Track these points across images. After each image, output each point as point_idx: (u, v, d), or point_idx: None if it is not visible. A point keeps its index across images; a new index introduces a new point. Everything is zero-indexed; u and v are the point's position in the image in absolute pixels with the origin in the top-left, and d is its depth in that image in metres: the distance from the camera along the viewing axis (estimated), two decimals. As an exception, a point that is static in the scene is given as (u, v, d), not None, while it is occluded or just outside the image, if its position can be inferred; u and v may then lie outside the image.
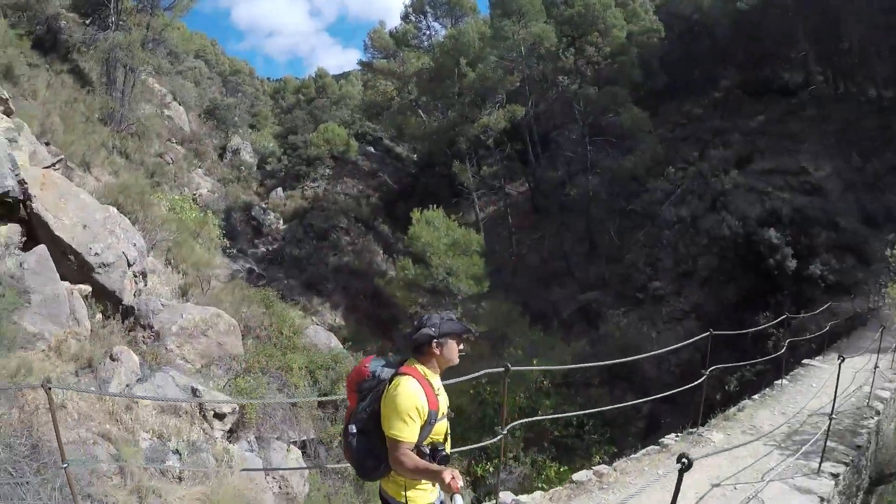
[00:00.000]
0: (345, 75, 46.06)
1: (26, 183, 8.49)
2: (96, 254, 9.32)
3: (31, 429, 5.56)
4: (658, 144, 20.13)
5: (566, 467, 11.83)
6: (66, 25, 18.50)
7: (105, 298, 9.56)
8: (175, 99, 28.48)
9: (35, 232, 8.83)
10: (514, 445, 13.69)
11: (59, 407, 6.63)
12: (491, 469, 13.43)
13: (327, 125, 35.32)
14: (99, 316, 9.57)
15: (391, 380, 2.88)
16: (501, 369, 3.93)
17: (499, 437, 4.24)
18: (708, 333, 6.27)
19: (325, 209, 32.16)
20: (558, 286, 20.84)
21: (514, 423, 5.68)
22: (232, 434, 8.80)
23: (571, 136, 22.52)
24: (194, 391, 8.46)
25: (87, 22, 18.86)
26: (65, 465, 3.58)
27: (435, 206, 22.08)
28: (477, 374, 4.49)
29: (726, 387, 10.77)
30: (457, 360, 3.06)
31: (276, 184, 34.40)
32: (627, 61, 21.25)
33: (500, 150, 25.30)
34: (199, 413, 8.32)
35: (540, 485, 10.85)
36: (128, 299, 9.96)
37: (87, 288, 9.40)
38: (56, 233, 8.79)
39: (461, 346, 3.08)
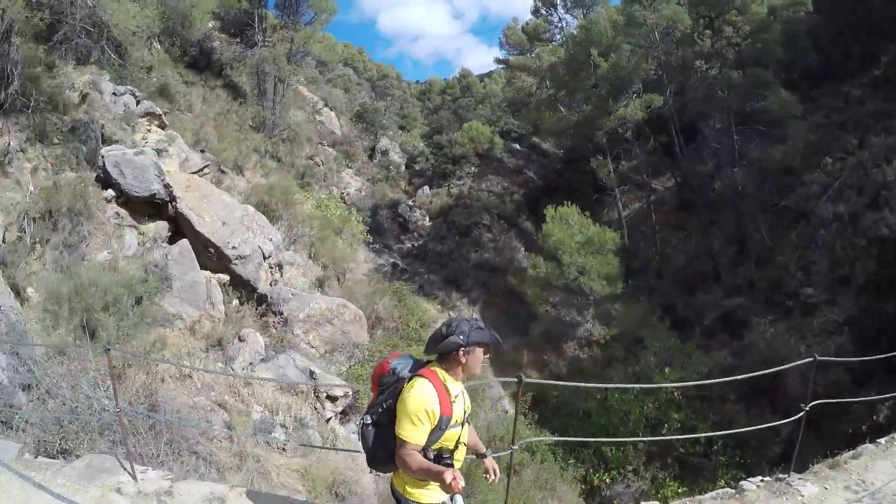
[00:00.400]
0: (489, 74, 46.69)
1: (171, 187, 9.98)
2: (233, 247, 10.65)
3: (154, 392, 6.55)
4: (811, 131, 17.44)
5: (686, 488, 10.98)
6: (217, 45, 21.11)
7: (241, 286, 10.91)
8: (326, 105, 31.02)
9: (181, 228, 10.36)
10: (635, 458, 13.01)
11: (186, 377, 7.73)
12: (608, 480, 12.92)
13: (471, 123, 36.03)
14: (235, 302, 10.92)
15: (410, 379, 2.93)
16: (514, 379, 3.77)
17: (507, 452, 3.98)
18: (812, 359, 5.24)
19: (469, 206, 32.85)
20: (703, 290, 19.17)
21: (528, 439, 5.30)
22: (344, 416, 9.47)
23: (716, 126, 20.45)
24: (311, 374, 9.30)
25: (237, 41, 21.29)
26: (118, 409, 4.17)
27: (574, 202, 21.54)
28: (486, 381, 4.38)
29: (875, 416, 9.01)
30: (479, 371, 3.03)
31: (424, 182, 35.90)
32: (770, 39, 18.65)
33: (642, 143, 23.93)
34: (314, 393, 9.08)
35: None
36: (263, 288, 11.23)
37: (226, 277, 10.79)
38: (198, 229, 10.22)
39: (487, 356, 3.04)
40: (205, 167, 12.96)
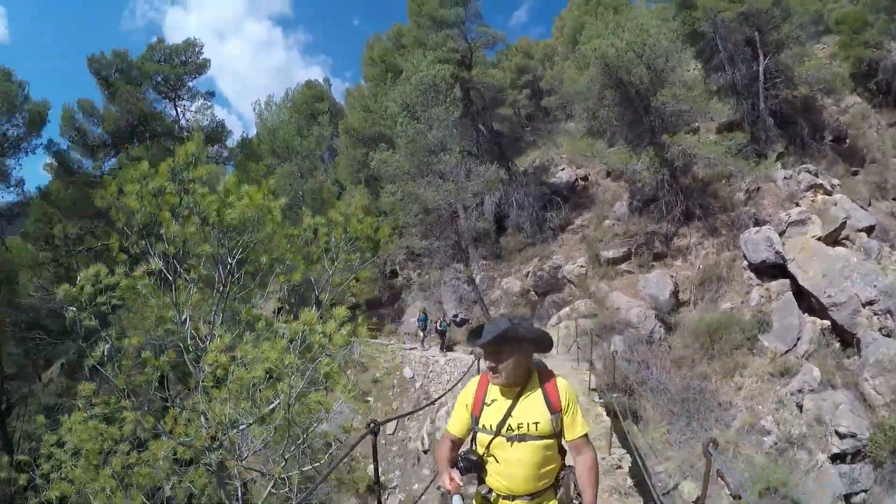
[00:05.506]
0: None
1: (781, 252, 15.49)
2: (829, 296, 15.22)
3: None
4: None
5: None
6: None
7: (837, 331, 15.22)
8: None
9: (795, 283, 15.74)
10: None
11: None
12: None
13: None
14: (837, 345, 15.08)
15: None
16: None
17: None
18: None
19: None
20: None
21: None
22: (845, 459, 12.58)
23: None
24: (836, 408, 13.61)
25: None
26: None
27: None
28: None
29: None
30: (494, 378, 2.77)
31: None
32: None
33: None
34: (827, 431, 13.33)
35: None
36: (860, 333, 15.06)
37: (826, 322, 15.46)
38: (800, 283, 15.50)
39: (488, 362, 2.74)
40: (871, 225, 16.52)
